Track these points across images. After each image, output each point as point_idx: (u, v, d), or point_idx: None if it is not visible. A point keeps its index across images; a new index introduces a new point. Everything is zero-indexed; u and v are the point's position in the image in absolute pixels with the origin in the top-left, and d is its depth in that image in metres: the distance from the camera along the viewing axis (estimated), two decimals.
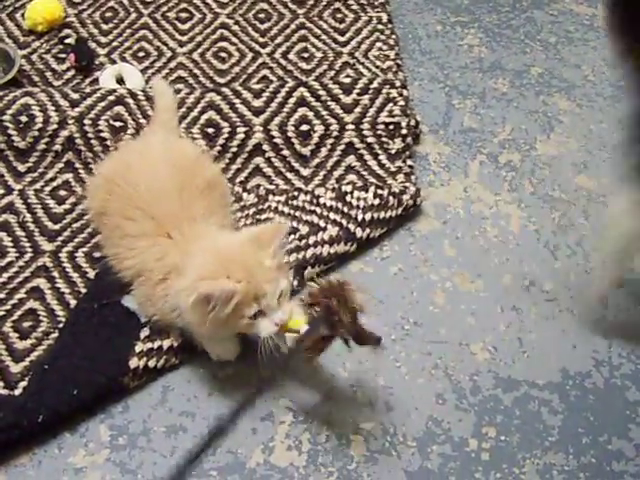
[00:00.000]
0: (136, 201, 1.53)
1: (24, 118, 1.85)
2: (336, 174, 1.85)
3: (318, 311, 1.34)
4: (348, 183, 1.82)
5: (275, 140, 1.87)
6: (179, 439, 1.45)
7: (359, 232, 1.71)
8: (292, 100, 1.91)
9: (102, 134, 1.85)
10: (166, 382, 1.53)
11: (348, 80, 1.97)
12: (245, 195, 1.80)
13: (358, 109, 1.90)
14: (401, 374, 1.54)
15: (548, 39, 2.26)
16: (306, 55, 2.16)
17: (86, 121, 1.86)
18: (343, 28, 2.23)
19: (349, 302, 1.33)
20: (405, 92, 1.96)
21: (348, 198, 1.76)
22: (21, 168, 1.85)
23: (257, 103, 1.90)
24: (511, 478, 1.41)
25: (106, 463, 1.42)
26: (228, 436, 1.43)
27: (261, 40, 2.21)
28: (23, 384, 1.49)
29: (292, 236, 1.70)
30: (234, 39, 2.21)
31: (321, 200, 1.77)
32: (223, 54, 2.17)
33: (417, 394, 1.52)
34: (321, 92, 1.92)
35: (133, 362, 1.50)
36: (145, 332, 1.55)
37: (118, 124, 1.86)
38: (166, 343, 1.53)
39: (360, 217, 1.72)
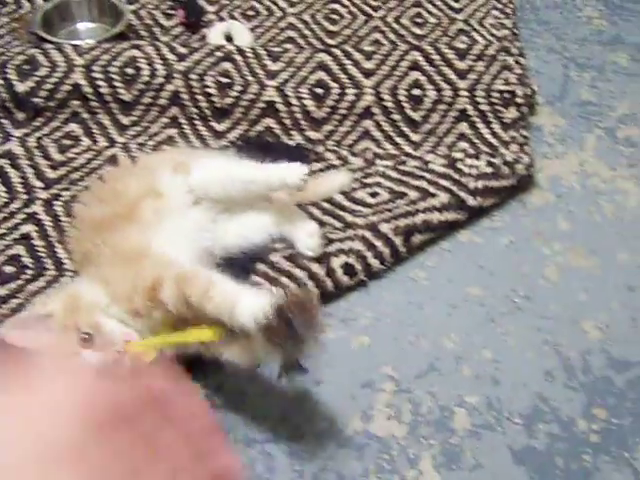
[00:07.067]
0: None
1: (130, 70, 1.82)
2: (447, 141, 1.79)
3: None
4: (460, 150, 1.75)
5: (385, 104, 1.81)
6: (274, 401, 1.41)
7: (470, 200, 1.65)
8: (404, 64, 1.86)
9: (208, 90, 1.82)
10: None
11: (463, 46, 1.91)
12: (352, 158, 1.75)
13: (472, 75, 1.84)
14: (509, 348, 1.48)
15: None
16: (419, 20, 2.11)
17: (192, 76, 1.82)
18: None
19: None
20: (522, 60, 1.90)
21: (460, 165, 1.70)
22: (125, 121, 1.83)
23: (368, 65, 1.85)
24: (621, 462, 1.34)
25: None
26: (325, 402, 1.40)
27: (373, 3, 2.16)
28: None
29: (401, 201, 1.64)
30: (346, 1, 2.17)
31: (431, 166, 1.71)
32: (334, 16, 2.12)
33: (525, 370, 1.45)
34: (435, 57, 1.86)
35: None
36: None
37: (225, 80, 1.82)
38: None
39: (472, 185, 1.65)
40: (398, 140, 1.80)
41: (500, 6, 2.14)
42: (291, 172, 1.44)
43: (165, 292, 1.25)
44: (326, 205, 1.64)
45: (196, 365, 1.42)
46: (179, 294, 1.24)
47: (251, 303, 1.19)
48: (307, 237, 1.54)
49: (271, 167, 1.48)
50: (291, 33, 2.08)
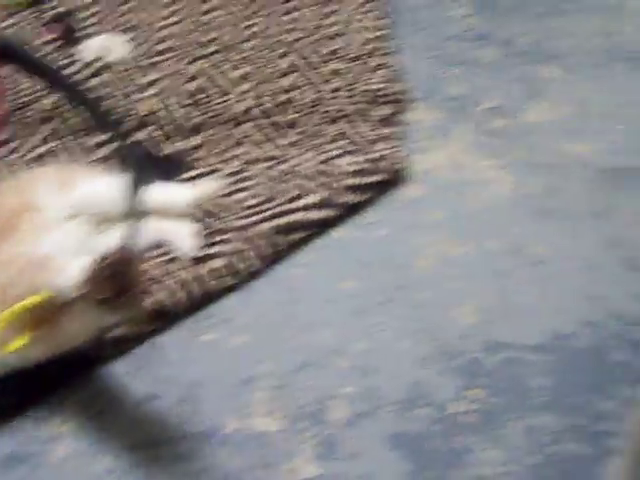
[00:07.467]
0: None
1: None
2: (322, 141, 1.83)
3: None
4: (334, 149, 1.79)
5: (263, 107, 1.85)
6: (154, 406, 1.43)
7: (344, 197, 1.69)
8: (281, 67, 1.90)
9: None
10: (141, 350, 1.51)
11: (336, 47, 1.95)
12: (229, 163, 1.78)
13: (347, 75, 1.89)
14: (384, 338, 1.52)
15: (537, 10, 2.24)
16: (296, 25, 2.14)
17: None
18: None
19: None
20: (393, 59, 1.95)
21: (330, 164, 1.74)
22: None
23: (246, 70, 1.89)
24: (494, 440, 1.38)
25: (76, 432, 1.40)
26: (204, 403, 1.42)
27: (251, 10, 2.19)
28: None
29: (276, 201, 1.67)
30: (223, 10, 2.19)
31: (305, 165, 1.75)
32: (212, 24, 2.15)
33: (401, 358, 1.49)
34: (310, 59, 1.90)
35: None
36: None
37: (102, 92, 1.84)
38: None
39: (345, 182, 1.70)
40: (275, 142, 1.83)
41: (375, 8, 2.18)
42: (179, 196, 1.48)
43: (13, 289, 1.27)
44: (204, 208, 1.66)
45: (74, 372, 1.43)
46: (24, 287, 1.27)
47: (75, 267, 1.23)
48: (186, 239, 1.56)
49: (158, 189, 1.50)
50: (169, 43, 2.10)
